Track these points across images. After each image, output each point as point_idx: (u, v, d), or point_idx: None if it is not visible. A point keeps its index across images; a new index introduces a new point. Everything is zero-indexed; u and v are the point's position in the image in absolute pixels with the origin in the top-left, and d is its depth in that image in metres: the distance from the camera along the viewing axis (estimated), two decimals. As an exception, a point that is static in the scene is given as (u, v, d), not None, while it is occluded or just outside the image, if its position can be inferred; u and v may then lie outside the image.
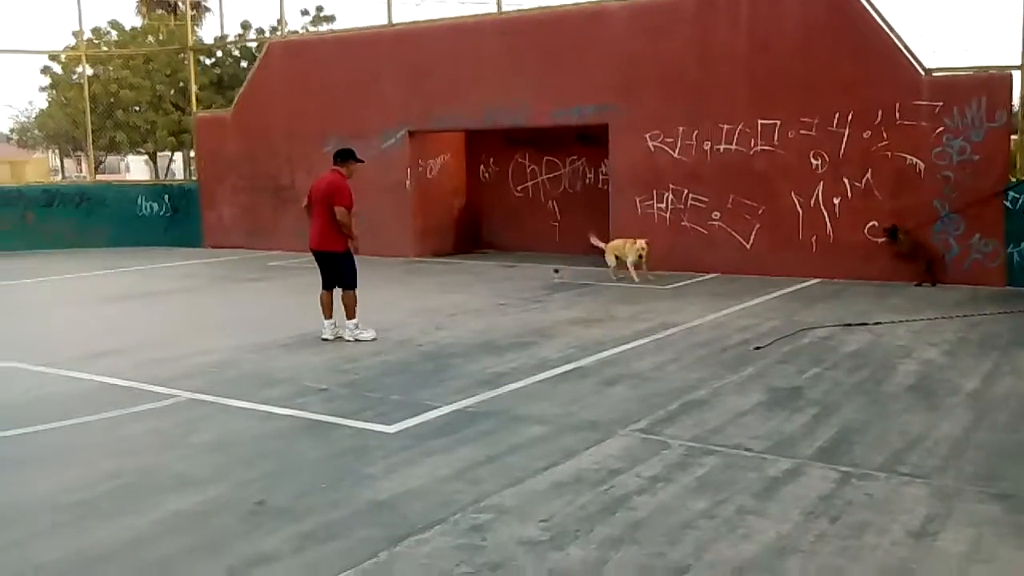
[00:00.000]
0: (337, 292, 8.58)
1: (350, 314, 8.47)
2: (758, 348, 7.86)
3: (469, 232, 17.42)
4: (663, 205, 13.79)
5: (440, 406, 6.12)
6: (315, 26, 33.95)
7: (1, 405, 6.39)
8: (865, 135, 12.09)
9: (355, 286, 8.50)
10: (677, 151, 13.55)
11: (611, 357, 7.64)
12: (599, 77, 13.98)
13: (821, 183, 12.49)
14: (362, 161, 8.76)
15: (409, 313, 10.19)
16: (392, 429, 5.61)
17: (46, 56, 33.32)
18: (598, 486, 4.53)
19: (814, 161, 12.50)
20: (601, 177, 15.93)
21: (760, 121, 12.83)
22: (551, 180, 16.82)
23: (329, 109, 16.74)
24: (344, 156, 8.61)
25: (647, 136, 13.71)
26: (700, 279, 12.69)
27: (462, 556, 3.75)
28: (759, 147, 12.89)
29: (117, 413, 6.12)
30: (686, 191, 13.53)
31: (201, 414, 6.12)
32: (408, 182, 16.18)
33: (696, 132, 13.34)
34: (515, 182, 17.21)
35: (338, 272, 8.49)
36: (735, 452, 5.05)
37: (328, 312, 8.55)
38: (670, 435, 5.37)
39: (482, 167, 17.59)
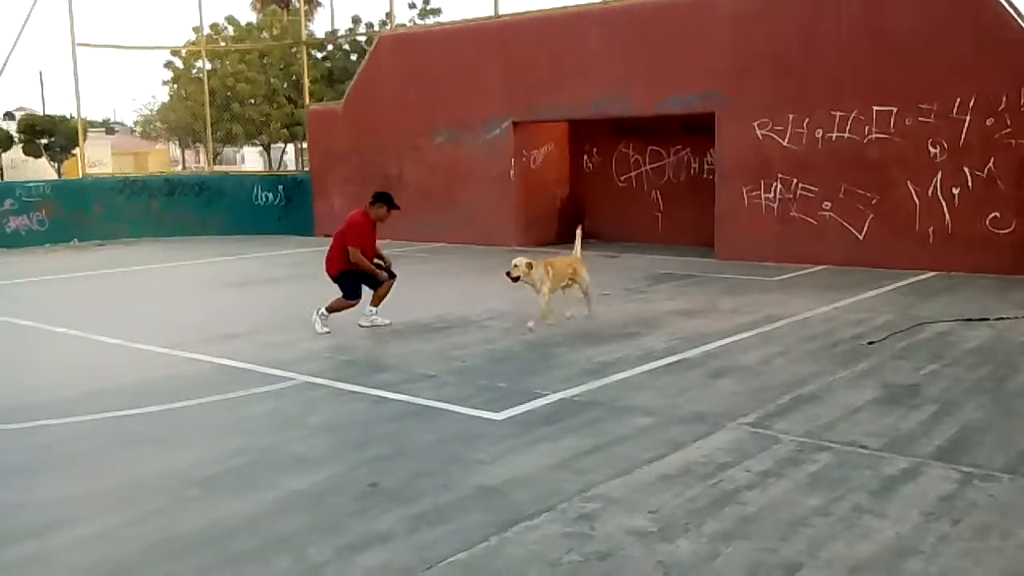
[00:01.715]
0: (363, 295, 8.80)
1: (331, 306, 8.58)
2: (872, 343, 7.63)
3: (572, 222, 17.36)
4: (771, 195, 13.50)
5: (546, 395, 6.18)
6: (422, 19, 34.48)
7: (135, 384, 6.77)
8: (988, 122, 11.55)
9: (353, 297, 8.58)
10: (787, 139, 13.23)
11: (716, 349, 7.56)
12: (706, 65, 13.76)
13: (939, 172, 12.00)
14: (396, 207, 8.79)
15: (513, 303, 10.26)
16: (499, 416, 5.70)
17: (168, 52, 34.88)
18: (707, 479, 4.51)
19: (932, 149, 12.02)
20: (706, 167, 15.69)
21: (875, 108, 12.40)
22: (655, 170, 16.67)
23: (436, 101, 17.01)
24: (376, 198, 8.73)
25: (755, 124, 13.43)
26: (808, 271, 12.38)
27: (571, 544, 3.80)
28: (873, 135, 12.47)
29: (239, 394, 6.42)
30: (795, 180, 13.20)
31: (316, 396, 6.35)
32: (512, 172, 16.31)
33: (807, 120, 12.99)
34: (619, 172, 17.12)
35: (341, 287, 8.60)
36: (849, 449, 4.94)
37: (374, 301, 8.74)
38: (780, 430, 5.29)
39: (586, 157, 17.57)
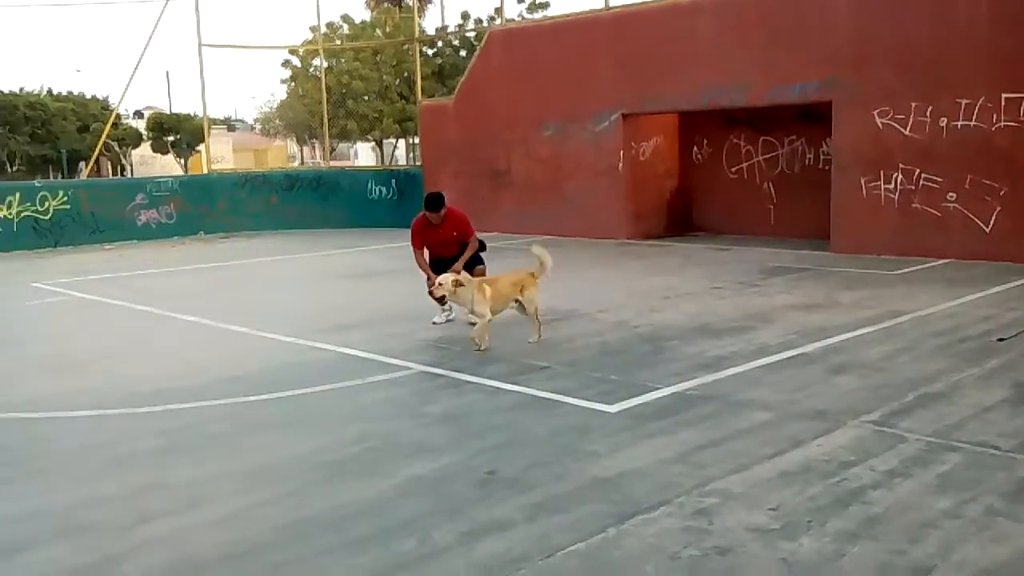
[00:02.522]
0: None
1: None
2: (1002, 340, 7.29)
3: (681, 214, 17.23)
4: (891, 186, 13.01)
5: (659, 388, 6.16)
6: (531, 13, 34.60)
7: (261, 372, 7.07)
8: None
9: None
10: (908, 128, 12.72)
11: (836, 344, 7.36)
12: (823, 52, 13.36)
13: (1075, 162, 11.34)
14: (427, 210, 8.63)
15: (623, 295, 10.26)
16: (613, 409, 5.71)
17: (286, 51, 36.05)
18: (829, 477, 4.41)
19: (1067, 138, 11.36)
20: (822, 157, 15.25)
21: (1004, 95, 11.80)
22: (767, 161, 16.29)
23: (545, 94, 17.06)
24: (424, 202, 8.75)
25: (875, 113, 12.97)
26: (931, 264, 11.89)
27: (689, 538, 3.78)
28: (1002, 123, 11.87)
29: (358, 382, 6.62)
30: (918, 171, 12.69)
31: (432, 386, 6.50)
32: (620, 165, 16.22)
33: (930, 108, 12.47)
34: (729, 163, 16.81)
35: None
36: (980, 450, 4.74)
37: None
38: (906, 428, 5.12)
39: (695, 149, 17.32)
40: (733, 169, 16.76)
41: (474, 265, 8.60)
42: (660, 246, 15.32)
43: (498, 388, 6.32)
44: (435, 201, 8.66)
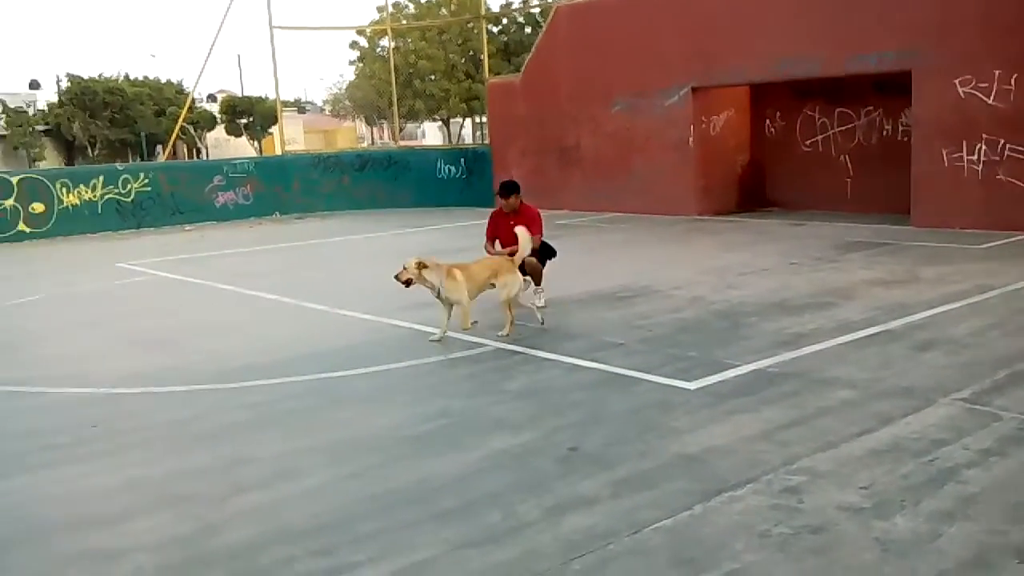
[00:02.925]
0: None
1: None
2: (1099, 316, 7.02)
3: (753, 189, 16.92)
4: (974, 157, 12.58)
5: (739, 365, 6.09)
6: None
7: (343, 348, 7.19)
8: None
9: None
10: (992, 97, 12.26)
11: (921, 321, 7.17)
12: (902, 20, 12.92)
13: None
14: (501, 195, 8.59)
15: (697, 271, 10.14)
16: (693, 386, 5.67)
17: (354, 31, 36.36)
18: (921, 456, 4.31)
19: None
20: (900, 128, 14.80)
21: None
22: (843, 133, 15.88)
23: (613, 69, 16.89)
24: None
25: (957, 82, 12.52)
26: (1018, 238, 11.48)
27: (779, 516, 3.75)
28: (1095, 89, 11.36)
29: (437, 358, 6.71)
30: (1002, 141, 12.24)
31: (511, 363, 6.53)
32: (691, 139, 15.99)
33: (1015, 76, 11.99)
34: (803, 136, 16.44)
35: None
36: (1080, 429, 4.59)
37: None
38: (1000, 407, 4.97)
39: (767, 122, 16.97)
40: (807, 142, 16.38)
41: (541, 260, 8.43)
42: (732, 222, 15.09)
43: (576, 365, 6.32)
44: (506, 187, 8.67)
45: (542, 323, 7.51)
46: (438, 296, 7.20)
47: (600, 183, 17.38)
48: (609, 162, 17.20)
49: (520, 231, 7.65)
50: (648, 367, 6.14)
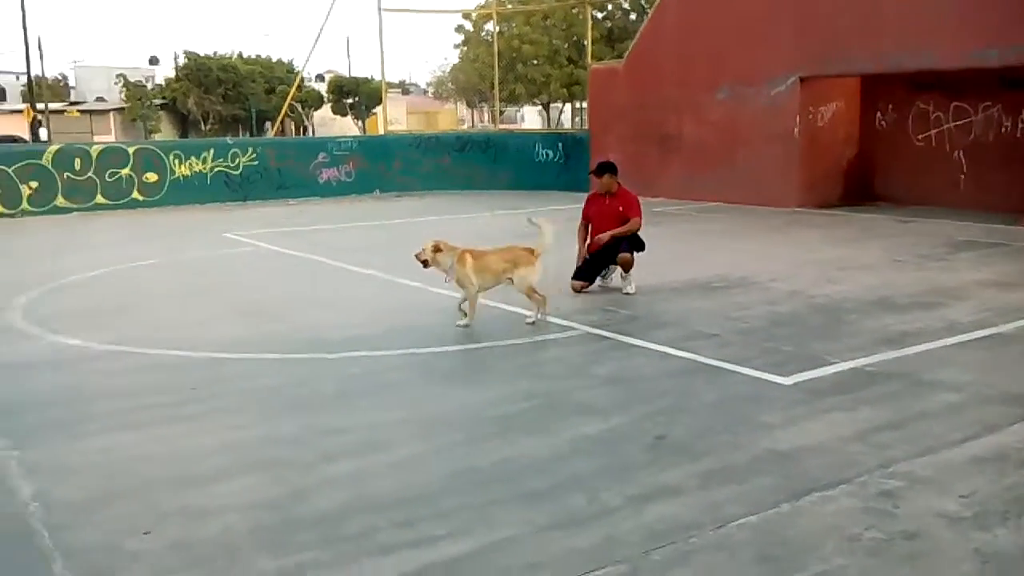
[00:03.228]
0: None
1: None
2: None
3: (859, 183, 16.35)
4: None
5: (837, 362, 5.90)
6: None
7: (436, 325, 7.24)
8: None
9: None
10: None
11: (1037, 326, 6.81)
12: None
13: None
14: (598, 176, 8.53)
15: (796, 264, 9.88)
16: (787, 381, 5.52)
17: (460, 15, 36.60)
18: (1028, 466, 4.11)
19: None
20: (1021, 126, 14.07)
21: None
22: (959, 128, 15.18)
23: (719, 57, 16.52)
24: None
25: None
26: None
27: (872, 520, 3.62)
28: None
29: (527, 340, 6.72)
30: None
31: (600, 348, 6.49)
32: (797, 130, 15.54)
33: None
34: (916, 130, 15.79)
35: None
36: None
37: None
38: (1120, 420, 4.70)
39: (878, 114, 16.36)
40: (920, 136, 15.74)
41: (626, 251, 8.26)
42: (835, 215, 14.63)
43: (666, 353, 6.24)
44: (600, 167, 8.60)
45: (535, 321, 7.10)
46: (449, 281, 7.08)
47: (700, 172, 17.07)
48: (710, 151, 16.87)
49: (540, 221, 7.29)
50: (741, 359, 6.01)
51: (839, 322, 7.09)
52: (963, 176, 15.10)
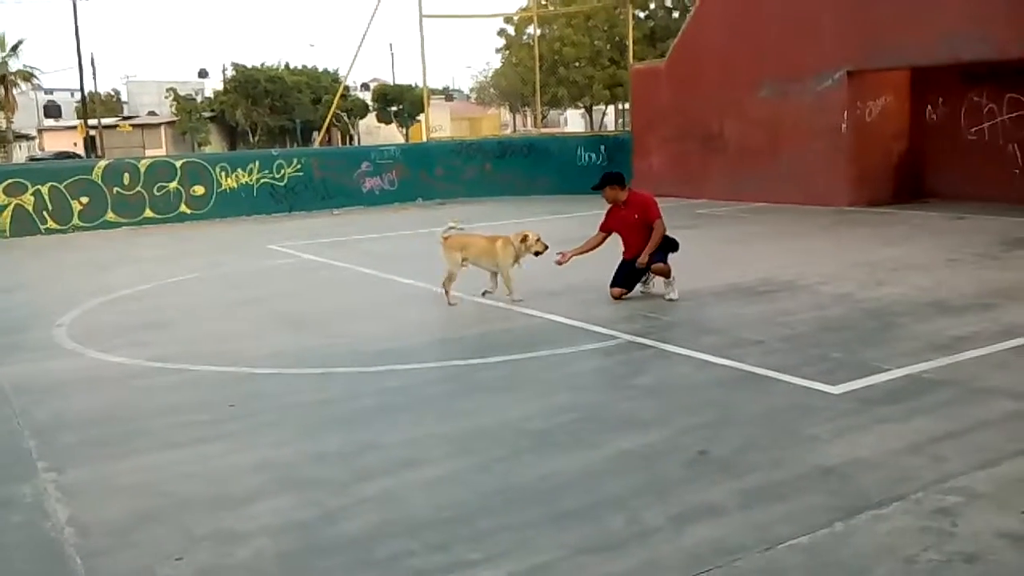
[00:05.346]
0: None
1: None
2: None
3: (910, 179, 15.93)
4: None
5: (889, 369, 5.68)
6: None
7: (475, 336, 7.20)
8: None
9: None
10: None
11: (1101, 328, 6.51)
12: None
13: None
14: (599, 190, 8.61)
15: (845, 265, 9.62)
16: (836, 390, 5.33)
17: (501, 19, 36.62)
18: (1096, 481, 3.88)
19: None
20: (1079, 117, 13.60)
21: None
22: (1013, 121, 14.74)
23: (762, 53, 16.24)
24: None
25: None
26: None
27: (929, 541, 3.43)
28: None
29: (568, 350, 6.59)
30: None
31: (641, 356, 6.35)
32: (844, 126, 15.19)
33: None
34: (968, 124, 15.35)
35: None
36: None
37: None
38: None
39: (929, 108, 15.94)
40: (972, 130, 15.30)
41: (659, 261, 8.09)
42: (886, 213, 14.26)
43: (708, 361, 6.07)
44: (601, 181, 8.54)
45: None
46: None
47: (744, 171, 16.78)
48: (754, 150, 16.58)
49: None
50: (788, 367, 5.82)
51: (890, 326, 6.85)
52: (1018, 170, 14.65)
